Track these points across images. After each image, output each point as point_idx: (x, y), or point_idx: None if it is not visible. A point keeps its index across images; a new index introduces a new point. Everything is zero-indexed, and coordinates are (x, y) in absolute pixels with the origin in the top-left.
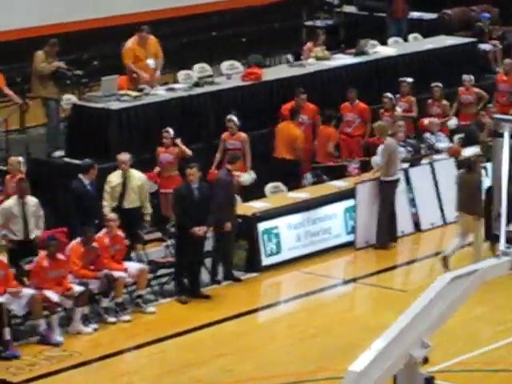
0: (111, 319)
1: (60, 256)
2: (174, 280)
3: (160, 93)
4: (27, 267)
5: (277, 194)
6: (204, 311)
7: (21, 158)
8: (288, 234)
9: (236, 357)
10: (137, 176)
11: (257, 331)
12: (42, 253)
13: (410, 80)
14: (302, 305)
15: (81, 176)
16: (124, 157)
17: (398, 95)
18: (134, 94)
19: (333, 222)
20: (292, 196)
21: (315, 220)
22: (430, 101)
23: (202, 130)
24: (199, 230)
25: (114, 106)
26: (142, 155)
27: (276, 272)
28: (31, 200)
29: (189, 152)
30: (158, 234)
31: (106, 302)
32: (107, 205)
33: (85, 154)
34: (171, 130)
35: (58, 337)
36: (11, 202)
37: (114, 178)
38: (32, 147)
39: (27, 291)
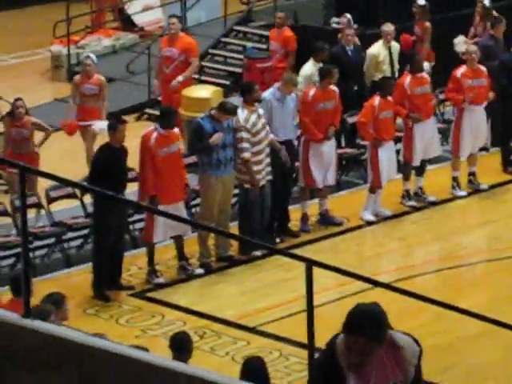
0: None
1: None
2: None
3: None
4: None
5: None
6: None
7: None
8: None
9: (503, 224)
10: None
11: None
12: None
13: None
14: None
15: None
16: (389, 28)
17: None
18: None
19: None
20: None
21: None
22: None
23: None
24: None
25: None
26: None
27: None
28: None
29: None
30: None
31: None
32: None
33: (355, 21)
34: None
35: None
36: None
37: (377, 48)
38: (300, 13)
39: None
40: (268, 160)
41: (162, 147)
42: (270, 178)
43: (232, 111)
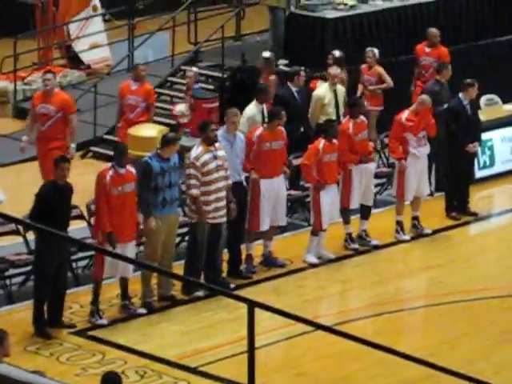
0: None
1: None
2: None
3: (377, 3)
4: None
5: (491, 107)
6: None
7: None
8: (502, 147)
9: (446, 269)
10: (343, 90)
11: (467, 243)
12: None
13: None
14: None
15: (289, 83)
16: (335, 70)
17: None
18: (351, 2)
19: None
20: (507, 108)
21: None
22: None
23: (414, 41)
24: (474, 147)
25: (330, 14)
26: (355, 65)
27: (488, 185)
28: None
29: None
30: None
31: None
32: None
33: (303, 63)
34: (376, 50)
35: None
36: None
37: (323, 91)
38: (248, 55)
39: None
40: (222, 203)
41: (116, 186)
42: (224, 220)
43: (174, 140)
